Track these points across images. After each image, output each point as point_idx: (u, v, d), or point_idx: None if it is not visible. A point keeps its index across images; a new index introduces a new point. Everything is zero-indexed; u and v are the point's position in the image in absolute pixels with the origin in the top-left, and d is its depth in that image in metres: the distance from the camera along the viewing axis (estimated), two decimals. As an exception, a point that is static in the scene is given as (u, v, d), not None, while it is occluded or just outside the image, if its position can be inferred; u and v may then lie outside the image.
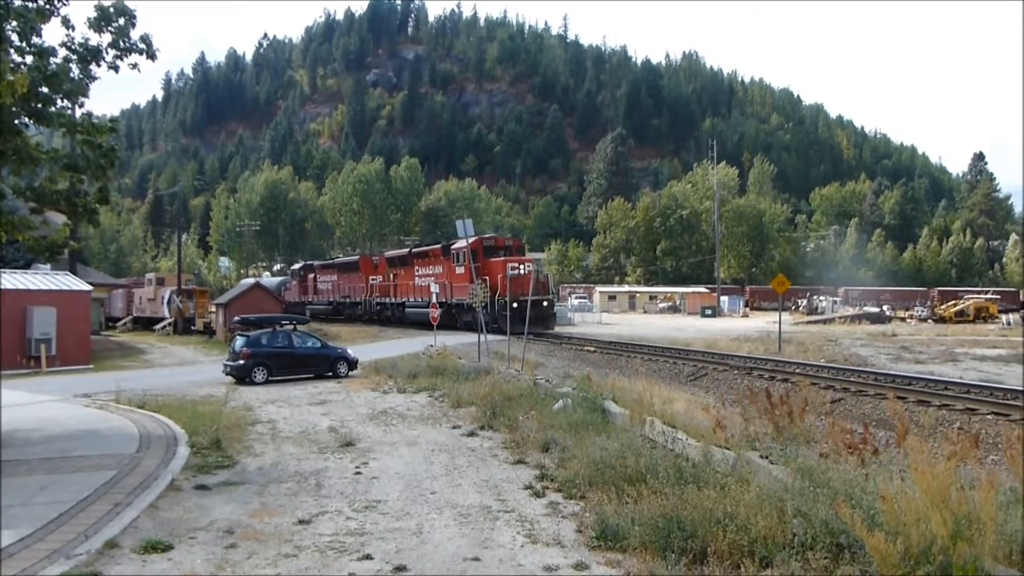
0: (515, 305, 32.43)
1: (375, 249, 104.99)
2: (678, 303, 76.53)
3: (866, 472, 6.82)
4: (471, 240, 34.00)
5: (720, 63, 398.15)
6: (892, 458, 8.29)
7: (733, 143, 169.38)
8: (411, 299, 43.51)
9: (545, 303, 36.25)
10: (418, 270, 43.68)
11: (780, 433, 9.43)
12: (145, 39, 12.17)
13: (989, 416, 13.96)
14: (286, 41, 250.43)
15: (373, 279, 50.01)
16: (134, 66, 12.18)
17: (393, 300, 46.68)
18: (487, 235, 44.67)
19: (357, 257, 56.47)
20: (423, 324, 33.24)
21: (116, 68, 12.16)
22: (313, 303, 58.78)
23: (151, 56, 12.24)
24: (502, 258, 37.21)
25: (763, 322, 37.89)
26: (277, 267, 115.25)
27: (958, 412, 14.58)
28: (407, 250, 46.29)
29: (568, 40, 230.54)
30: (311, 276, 60.96)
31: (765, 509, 6.21)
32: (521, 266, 35.93)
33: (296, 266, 68.43)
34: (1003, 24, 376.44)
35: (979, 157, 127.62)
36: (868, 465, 7.15)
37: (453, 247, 39.14)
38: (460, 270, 37.99)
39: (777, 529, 5.96)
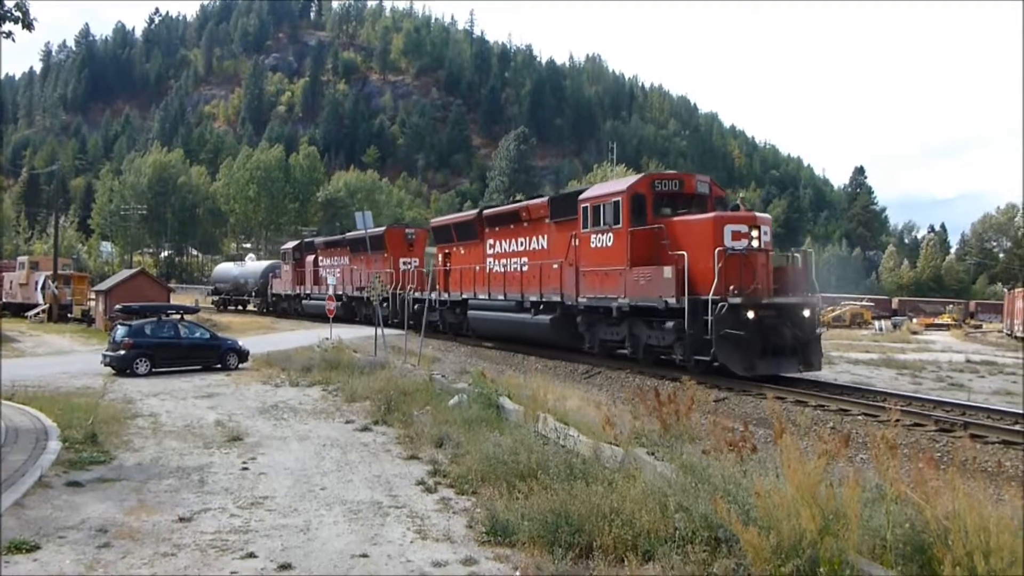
0: (751, 315, 17.08)
1: (272, 239, 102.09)
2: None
3: (744, 469, 7.12)
4: (633, 180, 20.26)
5: (622, 67, 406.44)
6: (770, 455, 8.70)
7: (632, 146, 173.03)
8: (482, 294, 27.17)
9: (805, 310, 18.37)
10: (493, 245, 27.22)
11: (667, 430, 9.73)
12: (20, 6, 11.38)
13: (860, 417, 14.76)
14: (179, 18, 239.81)
15: (406, 262, 35.62)
16: (8, 35, 11.40)
17: (445, 296, 30.30)
18: (661, 172, 23.74)
19: (381, 230, 38.34)
20: (512, 341, 20.03)
21: (-12, 36, 11.36)
22: (312, 296, 43.41)
23: (27, 26, 11.47)
24: (704, 215, 18.83)
25: (655, 322, 39.11)
26: (164, 254, 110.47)
27: (832, 413, 15.36)
28: (474, 213, 30.42)
29: (474, 36, 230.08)
30: (310, 259, 45.37)
31: (649, 504, 6.40)
32: (754, 231, 17.84)
33: (289, 245, 51.12)
34: (884, 48, 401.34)
35: (859, 171, 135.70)
36: (746, 462, 7.47)
37: (583, 197, 21.56)
38: (603, 239, 20.41)
39: (660, 523, 6.16)
